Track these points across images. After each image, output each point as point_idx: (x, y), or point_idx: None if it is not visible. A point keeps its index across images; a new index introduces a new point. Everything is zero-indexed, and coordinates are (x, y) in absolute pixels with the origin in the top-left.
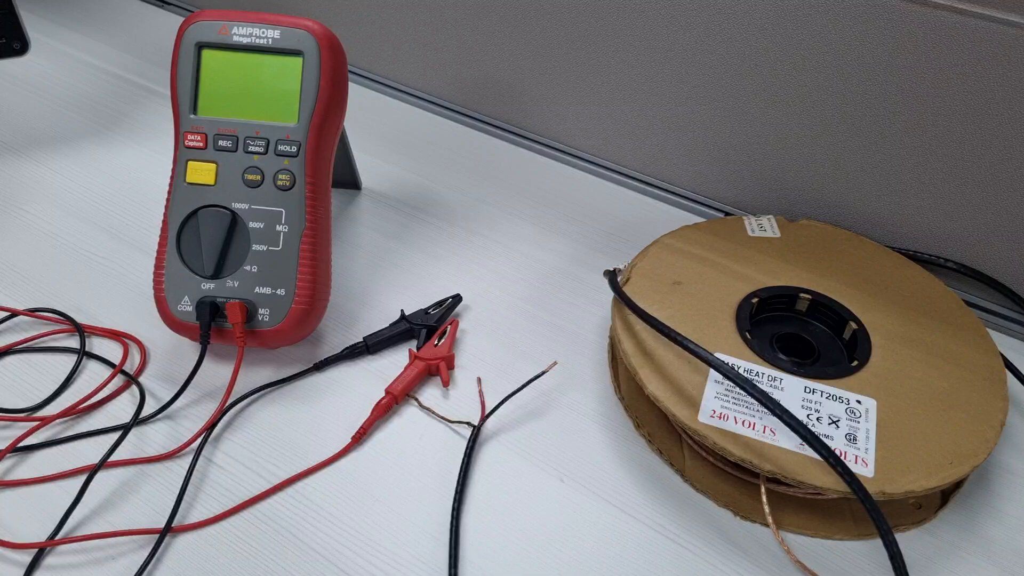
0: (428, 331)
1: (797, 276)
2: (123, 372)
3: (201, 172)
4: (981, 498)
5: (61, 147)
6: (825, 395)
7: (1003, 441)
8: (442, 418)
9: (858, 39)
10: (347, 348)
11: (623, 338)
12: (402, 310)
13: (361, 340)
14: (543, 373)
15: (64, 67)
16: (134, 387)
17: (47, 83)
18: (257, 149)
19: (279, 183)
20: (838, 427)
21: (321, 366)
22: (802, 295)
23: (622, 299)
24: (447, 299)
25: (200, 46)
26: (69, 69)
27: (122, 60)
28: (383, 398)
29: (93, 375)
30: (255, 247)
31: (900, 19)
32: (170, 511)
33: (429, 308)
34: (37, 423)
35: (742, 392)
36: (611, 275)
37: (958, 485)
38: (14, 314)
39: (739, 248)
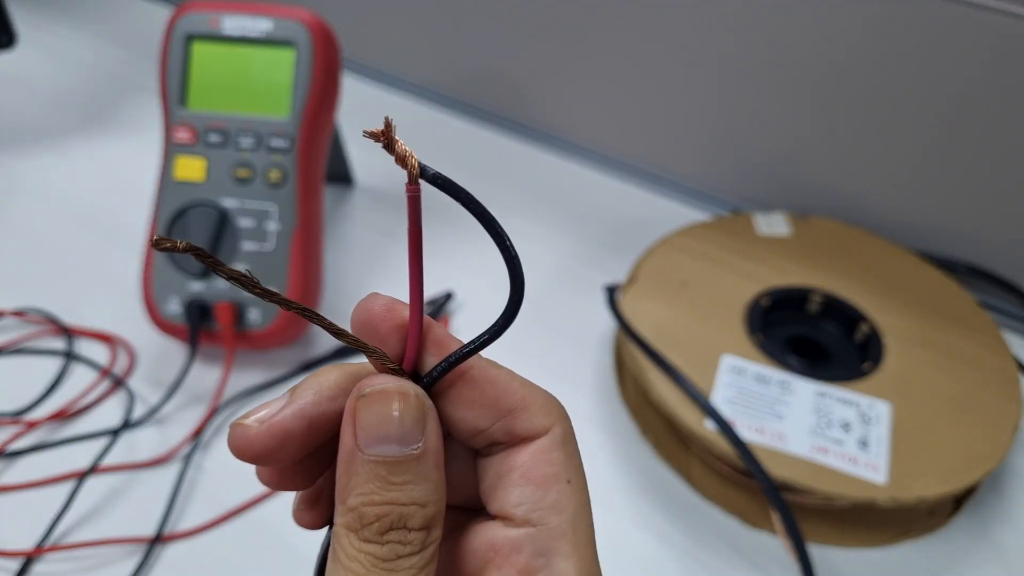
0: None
1: (808, 275)
2: (110, 375)
3: (190, 168)
4: (994, 504)
5: (47, 143)
6: (837, 399)
7: (1017, 445)
8: None
9: (875, 31)
10: (337, 348)
11: (630, 340)
12: None
13: None
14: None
15: (51, 61)
16: (122, 390)
17: (33, 77)
18: (248, 144)
19: (270, 179)
20: (850, 432)
21: (310, 368)
22: (813, 295)
23: (620, 322)
24: (437, 297)
25: (190, 38)
26: (56, 63)
27: (111, 54)
28: None
29: (80, 378)
30: (245, 246)
31: (917, 12)
32: (160, 518)
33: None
34: (23, 427)
35: (751, 398)
36: (610, 292)
37: (971, 490)
38: None
39: (748, 247)
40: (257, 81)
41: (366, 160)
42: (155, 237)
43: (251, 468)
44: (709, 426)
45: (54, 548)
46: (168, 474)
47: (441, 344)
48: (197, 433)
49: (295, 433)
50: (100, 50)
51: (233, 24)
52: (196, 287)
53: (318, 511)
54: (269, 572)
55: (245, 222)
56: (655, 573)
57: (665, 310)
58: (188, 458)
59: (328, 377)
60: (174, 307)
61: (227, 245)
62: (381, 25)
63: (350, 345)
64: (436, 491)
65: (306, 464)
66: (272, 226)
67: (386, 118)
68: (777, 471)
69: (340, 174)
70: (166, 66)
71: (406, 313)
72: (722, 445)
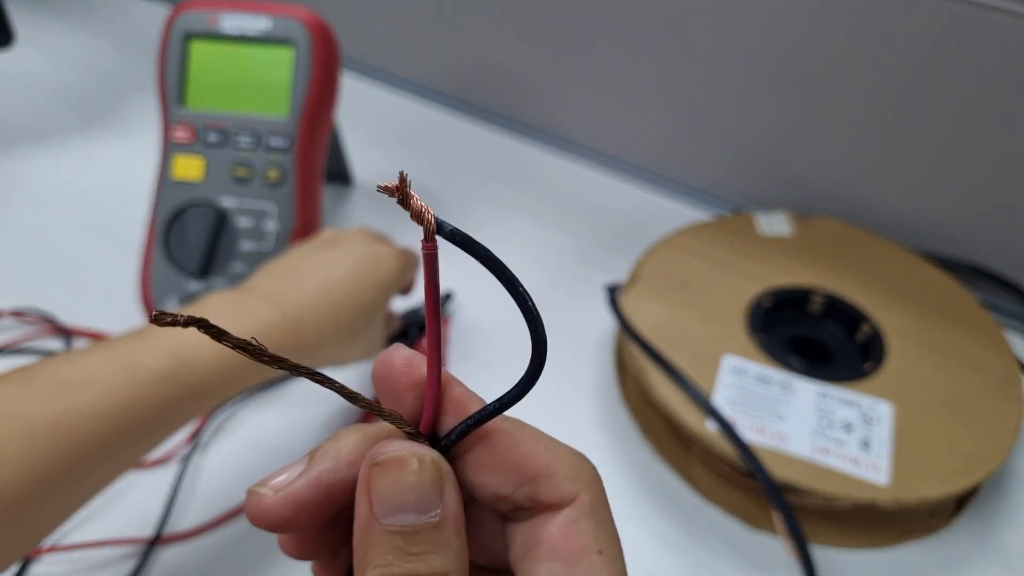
0: (421, 328)
1: (810, 275)
2: None
3: (188, 167)
4: (997, 504)
5: (45, 142)
6: (839, 399)
7: (1019, 446)
8: None
9: (876, 30)
10: None
11: (631, 340)
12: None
13: None
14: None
15: (49, 60)
16: None
17: (32, 76)
18: (246, 143)
19: (269, 179)
20: (851, 432)
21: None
22: (815, 295)
23: (621, 322)
24: None
25: (188, 36)
26: (54, 62)
27: (109, 53)
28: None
29: None
30: (243, 245)
31: (918, 11)
32: (159, 519)
33: (421, 307)
34: None
35: (753, 398)
36: (611, 292)
37: (973, 491)
38: None
39: (749, 246)
40: (256, 80)
41: (365, 160)
42: (154, 312)
43: (250, 470)
44: (710, 427)
45: (52, 549)
46: (166, 475)
47: (460, 404)
48: (195, 434)
49: (311, 502)
50: (99, 49)
51: (232, 23)
52: (194, 287)
53: (336, 567)
54: (267, 574)
55: (243, 222)
56: (656, 574)
57: (666, 310)
58: (186, 459)
59: (347, 440)
60: (172, 307)
61: (225, 245)
62: (381, 24)
63: (364, 409)
64: (458, 559)
65: (329, 533)
66: (271, 226)
67: (401, 173)
68: (779, 472)
69: (339, 174)
70: (164, 65)
71: (425, 369)
72: (723, 446)
